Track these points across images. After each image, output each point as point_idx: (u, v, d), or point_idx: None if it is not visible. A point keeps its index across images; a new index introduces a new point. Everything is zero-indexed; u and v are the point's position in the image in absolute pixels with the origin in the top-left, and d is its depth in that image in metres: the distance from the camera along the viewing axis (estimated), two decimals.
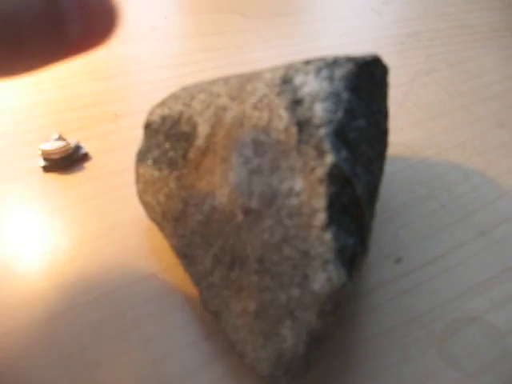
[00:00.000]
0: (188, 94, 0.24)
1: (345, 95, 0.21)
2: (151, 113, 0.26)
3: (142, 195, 0.26)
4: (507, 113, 0.36)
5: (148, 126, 0.25)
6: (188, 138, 0.24)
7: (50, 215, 0.28)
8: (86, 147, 0.31)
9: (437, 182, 0.31)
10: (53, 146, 0.29)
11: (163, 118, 0.25)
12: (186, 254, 0.23)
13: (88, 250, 0.26)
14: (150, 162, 0.25)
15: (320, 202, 0.19)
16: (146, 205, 0.25)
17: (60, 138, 0.30)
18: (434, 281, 0.27)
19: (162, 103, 0.25)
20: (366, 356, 0.24)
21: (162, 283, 0.25)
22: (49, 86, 0.36)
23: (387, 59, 0.39)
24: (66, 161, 0.30)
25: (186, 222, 0.23)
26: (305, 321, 0.19)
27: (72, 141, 0.31)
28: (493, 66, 0.40)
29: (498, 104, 0.37)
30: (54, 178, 0.30)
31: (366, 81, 0.22)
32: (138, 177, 0.26)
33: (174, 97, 0.25)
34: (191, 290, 0.25)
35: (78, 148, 0.31)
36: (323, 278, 0.19)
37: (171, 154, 0.24)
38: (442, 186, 0.31)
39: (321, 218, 0.19)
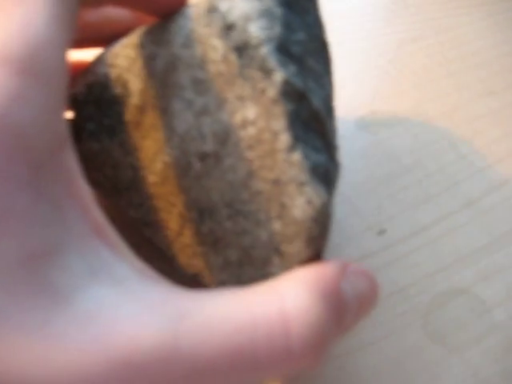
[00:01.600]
0: (110, 53, 0.22)
1: (278, 10, 0.19)
2: (74, 85, 0.23)
3: (86, 174, 0.23)
4: (495, 80, 0.35)
5: (74, 100, 0.23)
6: (121, 99, 0.21)
7: None
8: None
9: (423, 151, 0.30)
10: None
11: (89, 87, 0.22)
12: (147, 223, 0.22)
13: None
14: (86, 136, 0.22)
15: (279, 123, 0.18)
16: (93, 183, 0.23)
17: None
18: (419, 252, 0.26)
19: (86, 71, 0.23)
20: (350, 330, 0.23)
21: None
22: None
23: (373, 27, 0.37)
24: None
25: (139, 189, 0.22)
26: (294, 253, 0.18)
27: None
28: (481, 32, 0.39)
29: (486, 71, 0.35)
30: None
31: None
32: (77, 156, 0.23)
33: (97, 60, 0.23)
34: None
35: None
36: (302, 201, 0.17)
37: (107, 121, 0.22)
38: (428, 155, 0.30)
39: (284, 139, 0.18)
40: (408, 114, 0.32)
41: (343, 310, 0.15)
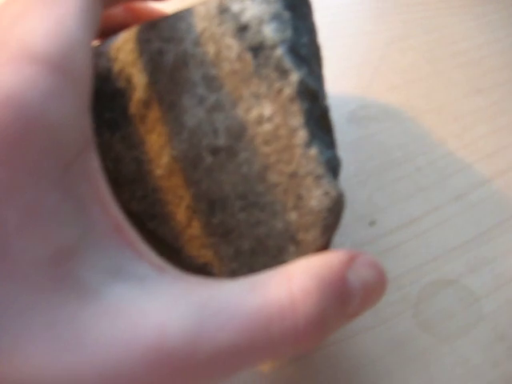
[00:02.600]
0: (110, 47, 0.22)
1: (286, 14, 0.20)
2: None
3: None
4: (483, 79, 0.35)
5: None
6: (124, 93, 0.22)
7: None
8: None
9: (413, 146, 0.30)
10: None
11: None
12: (152, 215, 0.22)
13: None
14: None
15: (297, 120, 0.19)
16: None
17: None
18: (409, 243, 0.26)
19: None
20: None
21: None
22: None
23: (364, 24, 0.38)
24: None
25: (144, 181, 0.22)
26: (310, 241, 0.19)
27: None
28: (469, 33, 0.39)
29: (474, 70, 0.36)
30: None
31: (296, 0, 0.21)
32: None
33: (95, 54, 0.23)
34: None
35: None
36: (320, 193, 0.19)
37: (108, 114, 0.22)
38: (418, 149, 0.30)
39: (302, 135, 0.19)
40: (398, 109, 0.32)
41: (347, 298, 0.16)
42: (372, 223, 0.26)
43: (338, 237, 0.25)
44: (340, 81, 0.33)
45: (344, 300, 0.16)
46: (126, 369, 0.13)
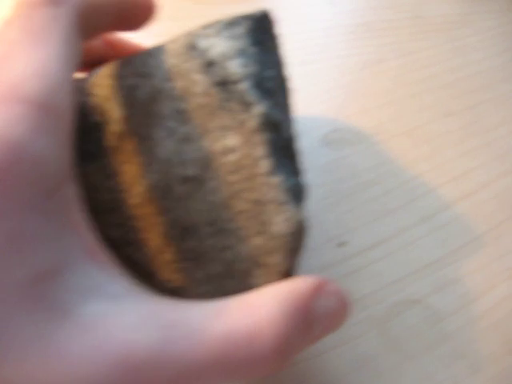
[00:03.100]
0: (87, 83, 0.23)
1: (252, 49, 0.21)
2: None
3: None
4: (454, 102, 0.37)
5: None
6: (99, 126, 0.23)
7: None
8: None
9: (383, 168, 0.31)
10: None
11: None
12: (128, 241, 0.23)
13: None
14: None
15: (260, 150, 0.20)
16: None
17: None
18: (376, 264, 0.27)
19: None
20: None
21: None
22: None
23: (337, 48, 0.39)
24: None
25: (120, 210, 0.23)
26: (273, 264, 0.20)
27: None
28: (442, 57, 0.41)
29: (445, 94, 0.37)
30: None
31: (263, 34, 0.23)
32: None
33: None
34: None
35: None
36: (282, 219, 0.19)
37: (84, 146, 0.23)
38: (388, 171, 0.31)
39: (265, 164, 0.20)
40: (370, 132, 0.33)
41: (311, 324, 0.17)
42: (341, 244, 0.27)
43: (307, 258, 0.26)
44: (313, 104, 0.34)
45: (308, 326, 0.17)
46: (93, 381, 0.14)
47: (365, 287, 0.26)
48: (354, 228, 0.28)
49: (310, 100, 0.34)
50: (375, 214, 0.29)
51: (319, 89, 0.35)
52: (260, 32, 0.23)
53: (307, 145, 0.32)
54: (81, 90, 0.23)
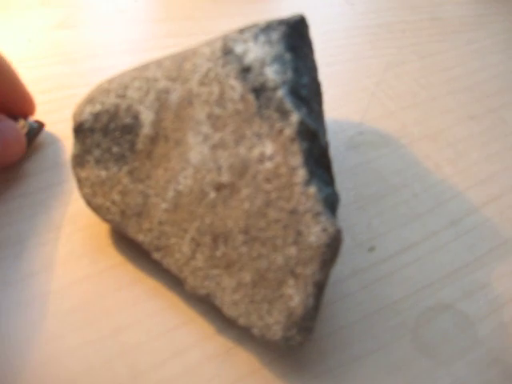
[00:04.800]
0: (119, 84, 0.23)
1: (288, 56, 0.21)
2: (79, 113, 0.24)
3: (90, 199, 0.24)
4: (476, 105, 0.37)
5: (79, 127, 0.23)
6: (132, 129, 0.23)
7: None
8: (52, 131, 0.30)
9: (409, 172, 0.31)
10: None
11: (96, 115, 0.23)
12: (158, 247, 0.23)
13: (53, 237, 0.25)
14: (92, 163, 0.23)
15: (297, 160, 0.20)
16: (97, 208, 0.24)
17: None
18: (406, 269, 0.27)
19: (90, 100, 0.24)
20: (340, 344, 0.24)
21: (130, 273, 0.25)
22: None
23: (359, 49, 0.39)
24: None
25: (150, 215, 0.23)
26: (308, 275, 0.20)
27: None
28: (461, 59, 0.41)
29: (466, 97, 0.37)
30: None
31: (298, 40, 0.23)
32: (81, 182, 0.24)
33: (102, 90, 0.24)
34: (161, 279, 0.24)
35: (30, 125, 0.29)
36: (318, 229, 0.19)
37: (116, 149, 0.23)
38: (414, 175, 0.31)
39: (301, 174, 0.20)
40: (395, 135, 0.33)
41: None
42: (371, 249, 0.27)
43: (339, 263, 0.26)
44: (339, 106, 0.34)
45: None
46: None
47: (396, 292, 0.26)
48: (382, 232, 0.28)
49: (335, 102, 0.34)
50: (404, 218, 0.29)
51: (341, 91, 0.35)
52: (295, 37, 0.23)
53: (333, 149, 0.32)
54: (112, 92, 0.23)
